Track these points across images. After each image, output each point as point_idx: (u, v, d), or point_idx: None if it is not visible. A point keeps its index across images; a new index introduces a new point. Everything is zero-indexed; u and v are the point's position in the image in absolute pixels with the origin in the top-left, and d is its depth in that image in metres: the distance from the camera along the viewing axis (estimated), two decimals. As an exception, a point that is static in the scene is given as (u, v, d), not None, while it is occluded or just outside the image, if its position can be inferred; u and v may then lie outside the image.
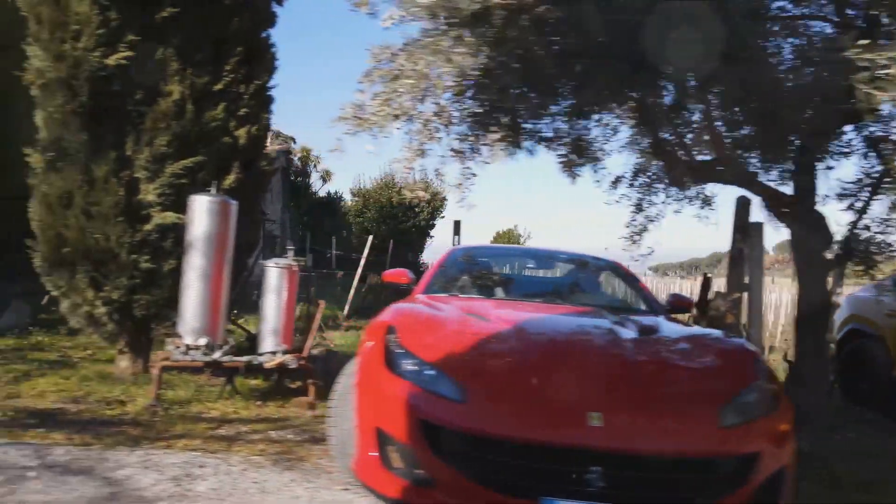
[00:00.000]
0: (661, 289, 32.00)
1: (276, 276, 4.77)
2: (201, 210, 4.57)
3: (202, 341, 4.50)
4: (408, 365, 2.57)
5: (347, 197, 33.63)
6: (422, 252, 30.41)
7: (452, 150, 5.01)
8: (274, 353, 4.63)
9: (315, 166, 40.59)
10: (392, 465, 2.46)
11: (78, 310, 4.74)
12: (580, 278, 4.38)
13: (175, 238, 4.77)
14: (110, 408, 4.27)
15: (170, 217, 4.66)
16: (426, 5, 3.25)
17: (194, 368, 5.37)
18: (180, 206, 4.73)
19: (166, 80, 4.73)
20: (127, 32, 4.54)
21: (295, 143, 32.28)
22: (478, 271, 4.26)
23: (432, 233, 31.95)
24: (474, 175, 5.13)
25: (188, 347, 4.44)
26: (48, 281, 4.77)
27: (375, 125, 4.21)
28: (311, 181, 40.25)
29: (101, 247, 4.57)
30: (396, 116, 3.81)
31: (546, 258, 4.61)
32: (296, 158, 38.02)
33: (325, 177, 40.53)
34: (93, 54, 4.43)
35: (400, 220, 29.39)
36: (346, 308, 15.40)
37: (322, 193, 38.91)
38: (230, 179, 4.95)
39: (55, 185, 4.63)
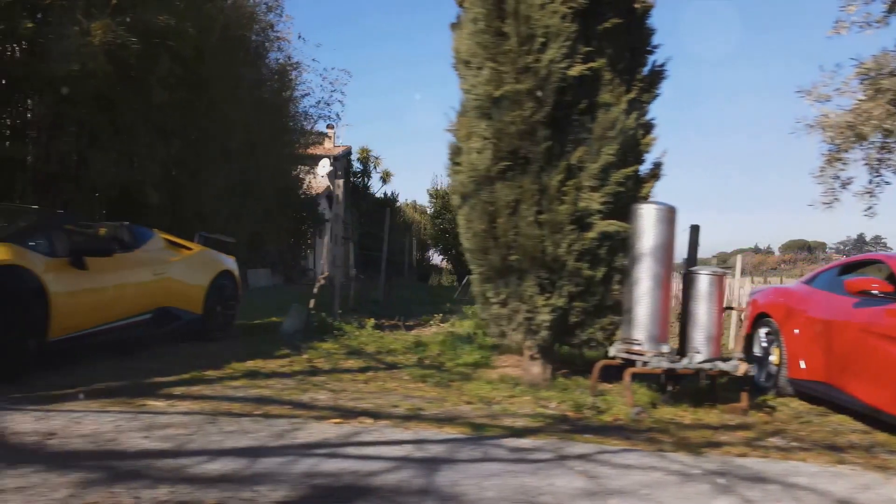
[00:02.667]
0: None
1: (707, 283, 4.82)
2: (650, 218, 4.64)
3: (665, 348, 4.57)
4: None
5: (424, 198, 33.90)
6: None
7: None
8: (725, 360, 4.68)
9: (375, 167, 40.88)
10: None
11: (516, 317, 4.82)
12: None
13: (609, 246, 4.84)
14: (593, 413, 4.34)
15: (613, 225, 4.73)
16: None
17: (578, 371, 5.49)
18: (616, 214, 4.81)
19: (600, 91, 4.79)
20: (580, 44, 4.61)
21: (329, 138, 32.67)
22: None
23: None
24: (887, 184, 5.18)
25: (656, 354, 4.51)
26: (487, 288, 4.85)
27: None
28: (370, 181, 40.52)
29: (552, 254, 4.64)
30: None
31: None
32: (355, 159, 38.36)
33: (385, 177, 40.83)
34: (559, 65, 4.50)
35: (482, 221, 29.46)
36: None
37: (379, 194, 39.20)
38: (648, 187, 5.02)
39: (501, 194, 4.71)
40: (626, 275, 4.76)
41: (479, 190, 4.82)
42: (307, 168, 22.38)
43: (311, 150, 24.34)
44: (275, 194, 17.18)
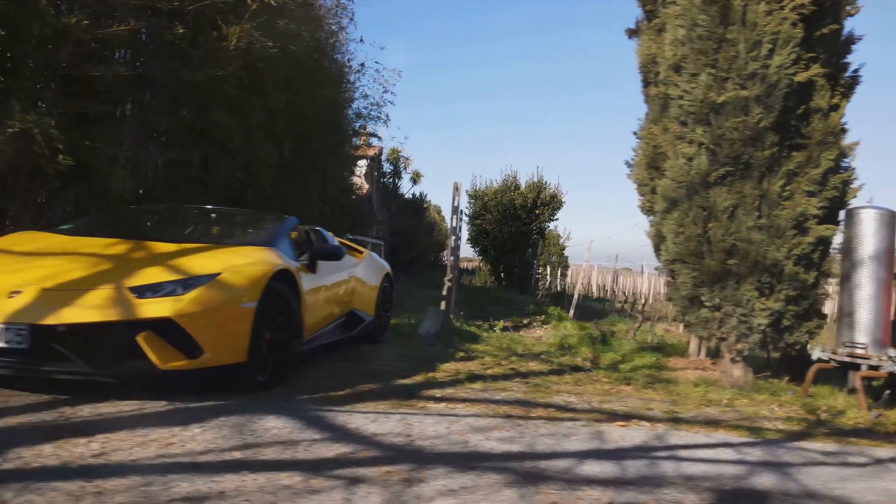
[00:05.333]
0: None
1: (917, 287, 4.85)
2: (872, 222, 4.67)
3: (891, 352, 4.60)
4: None
5: (464, 199, 33.91)
6: (535, 254, 30.29)
7: None
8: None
9: (405, 168, 41.01)
10: None
11: (728, 320, 4.86)
12: None
13: (822, 250, 4.87)
14: (829, 416, 4.38)
15: (830, 229, 4.77)
16: None
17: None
18: (827, 219, 4.86)
19: (813, 95, 4.83)
20: (803, 50, 4.65)
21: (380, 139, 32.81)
22: None
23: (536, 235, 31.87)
24: None
25: (889, 358, 4.54)
26: (703, 291, 4.89)
27: None
28: (399, 182, 40.69)
29: (772, 259, 4.68)
30: None
31: None
32: (384, 160, 38.50)
33: (415, 178, 40.95)
34: (786, 71, 4.55)
35: (523, 222, 29.50)
36: (572, 311, 15.55)
37: (409, 195, 39.33)
38: (855, 190, 5.05)
39: (719, 198, 4.75)
40: (844, 279, 4.80)
41: (692, 195, 4.87)
42: (361, 170, 22.58)
43: (359, 152, 24.54)
44: (336, 196, 17.33)
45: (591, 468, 2.73)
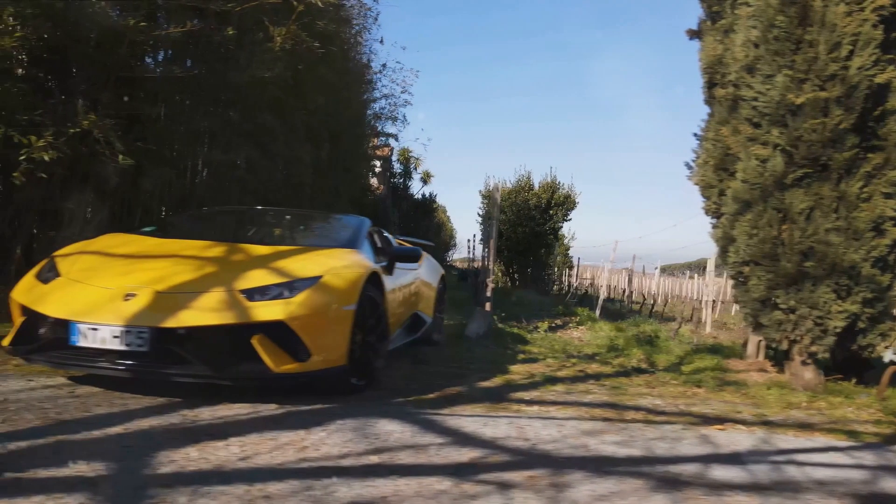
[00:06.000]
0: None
1: None
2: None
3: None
4: None
5: (477, 199, 33.81)
6: (548, 254, 30.12)
7: None
8: None
9: (415, 168, 40.96)
10: None
11: (803, 322, 4.84)
12: None
13: (900, 252, 4.84)
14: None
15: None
16: None
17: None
18: (905, 221, 4.82)
19: (889, 97, 4.80)
20: (880, 51, 4.62)
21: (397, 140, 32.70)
22: None
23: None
24: None
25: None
26: (778, 294, 4.86)
27: None
28: (409, 182, 40.66)
29: (849, 261, 4.65)
30: None
31: None
32: (395, 160, 38.40)
33: (426, 178, 40.91)
34: (867, 73, 4.52)
35: (537, 223, 29.44)
36: (598, 311, 15.50)
37: (418, 195, 39.27)
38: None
39: (796, 200, 4.72)
40: (921, 281, 4.77)
41: (766, 197, 4.84)
42: (376, 170, 22.60)
43: (376, 152, 24.54)
44: (358, 196, 17.39)
45: (722, 472, 2.71)
